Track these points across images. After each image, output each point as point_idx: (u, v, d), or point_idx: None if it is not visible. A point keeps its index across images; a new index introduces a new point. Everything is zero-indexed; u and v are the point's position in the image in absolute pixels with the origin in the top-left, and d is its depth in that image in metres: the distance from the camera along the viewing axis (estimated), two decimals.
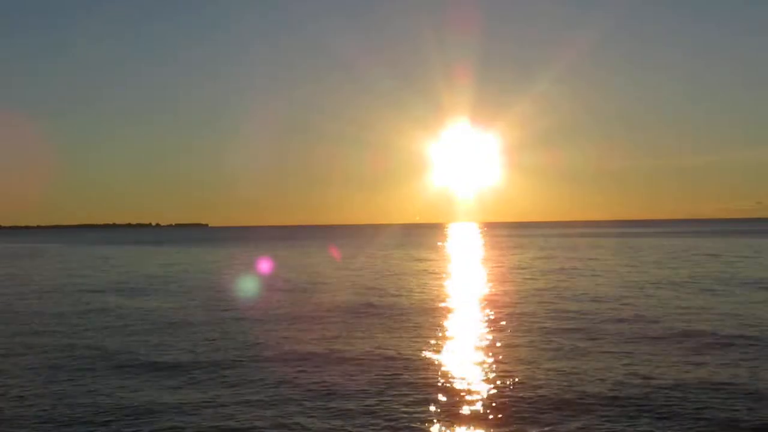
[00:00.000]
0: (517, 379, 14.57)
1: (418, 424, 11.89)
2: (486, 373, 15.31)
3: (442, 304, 27.00)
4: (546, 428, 11.54)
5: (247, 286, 36.56)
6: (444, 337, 19.76)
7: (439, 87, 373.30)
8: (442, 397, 13.45)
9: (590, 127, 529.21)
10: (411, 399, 13.37)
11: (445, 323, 22.36)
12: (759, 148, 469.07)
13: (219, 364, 16.63)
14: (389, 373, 15.27)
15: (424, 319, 23.22)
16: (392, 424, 11.93)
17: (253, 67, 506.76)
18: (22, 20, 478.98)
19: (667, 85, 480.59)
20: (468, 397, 13.45)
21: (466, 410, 12.69)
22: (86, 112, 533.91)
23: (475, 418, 12.25)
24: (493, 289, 32.35)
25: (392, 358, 16.86)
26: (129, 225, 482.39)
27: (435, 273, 43.98)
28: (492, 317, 23.46)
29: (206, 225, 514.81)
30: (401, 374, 15.22)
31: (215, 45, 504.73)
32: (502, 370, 15.44)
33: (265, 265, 54.14)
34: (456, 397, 13.50)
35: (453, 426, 11.92)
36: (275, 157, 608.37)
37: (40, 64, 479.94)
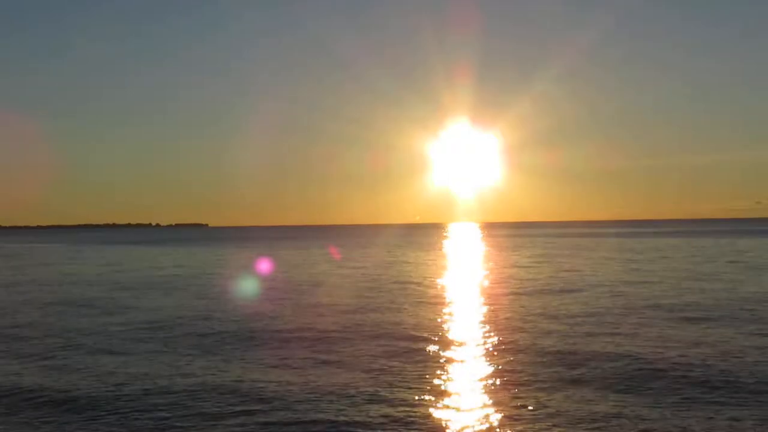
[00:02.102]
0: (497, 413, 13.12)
1: None
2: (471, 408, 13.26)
3: (436, 317, 24.15)
4: None
5: (237, 291, 36.19)
6: (432, 362, 16.80)
7: (439, 87, 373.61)
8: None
9: (590, 127, 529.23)
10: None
11: (437, 343, 19.08)
12: (759, 148, 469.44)
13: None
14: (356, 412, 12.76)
15: (416, 340, 19.59)
16: None
17: (253, 66, 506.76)
18: (22, 20, 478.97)
19: (667, 85, 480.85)
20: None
21: None
22: (86, 112, 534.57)
23: None
24: (490, 300, 29.66)
25: (370, 393, 13.95)
26: (129, 225, 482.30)
27: (432, 276, 43.64)
28: (486, 336, 20.49)
29: (206, 225, 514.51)
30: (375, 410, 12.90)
31: (215, 45, 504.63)
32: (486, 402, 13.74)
33: (264, 266, 53.93)
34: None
35: None
36: (275, 157, 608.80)
37: (40, 64, 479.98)
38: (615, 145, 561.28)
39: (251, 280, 41.26)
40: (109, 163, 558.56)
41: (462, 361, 17.04)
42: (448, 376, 15.45)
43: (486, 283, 37.43)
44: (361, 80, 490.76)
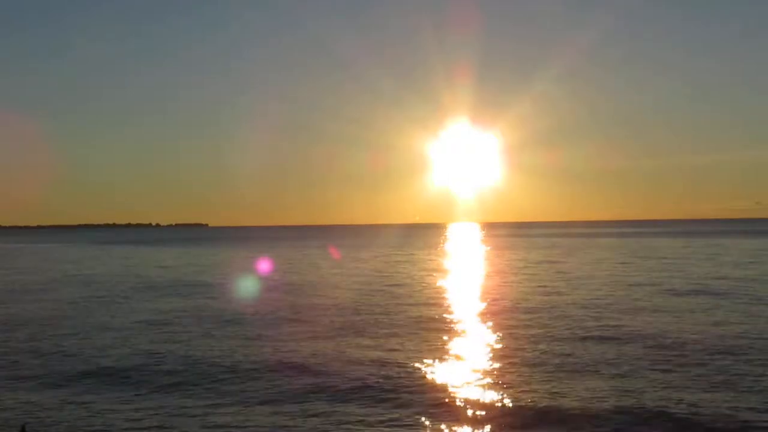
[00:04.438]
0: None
1: None
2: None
3: (435, 324, 22.71)
4: None
5: (233, 296, 36.14)
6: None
7: (439, 87, 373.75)
8: None
9: (590, 127, 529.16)
10: None
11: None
12: (759, 148, 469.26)
13: None
14: None
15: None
16: None
17: (253, 66, 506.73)
18: (22, 20, 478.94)
19: (667, 85, 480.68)
20: None
21: None
22: (86, 112, 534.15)
23: None
24: (487, 305, 28.05)
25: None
26: (129, 225, 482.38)
27: (429, 282, 43.48)
28: (483, 343, 19.87)
29: (206, 225, 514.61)
30: None
31: (215, 44, 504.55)
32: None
33: (263, 266, 54.03)
34: None
35: None
36: (275, 157, 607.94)
37: (40, 64, 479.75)
38: (615, 145, 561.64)
39: (250, 281, 41.33)
40: (109, 163, 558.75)
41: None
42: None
43: (481, 293, 34.30)
44: (361, 80, 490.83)
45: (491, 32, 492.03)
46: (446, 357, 17.73)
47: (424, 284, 37.40)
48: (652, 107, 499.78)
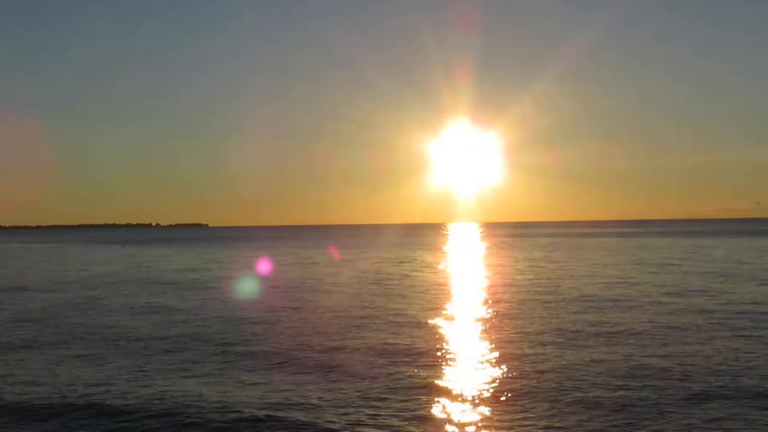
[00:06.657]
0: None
1: None
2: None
3: (424, 346, 19.95)
4: None
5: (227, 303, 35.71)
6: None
7: (439, 87, 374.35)
8: None
9: (591, 127, 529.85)
10: None
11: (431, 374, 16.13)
12: (759, 148, 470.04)
13: None
14: None
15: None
16: None
17: (253, 66, 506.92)
18: (22, 20, 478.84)
19: (668, 85, 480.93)
20: None
21: None
22: (86, 112, 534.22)
23: None
24: (483, 321, 25.66)
25: None
26: (129, 225, 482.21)
27: (430, 281, 43.31)
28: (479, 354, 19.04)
29: (206, 225, 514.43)
30: None
31: (214, 44, 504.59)
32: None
33: (263, 266, 53.90)
34: None
35: None
36: (275, 157, 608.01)
37: (40, 64, 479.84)
38: (615, 145, 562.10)
39: (250, 282, 41.09)
40: (109, 163, 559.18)
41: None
42: None
43: (478, 302, 32.07)
44: (361, 80, 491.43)
45: (491, 32, 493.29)
46: (432, 391, 15.03)
47: (421, 289, 36.93)
48: (653, 107, 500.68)
